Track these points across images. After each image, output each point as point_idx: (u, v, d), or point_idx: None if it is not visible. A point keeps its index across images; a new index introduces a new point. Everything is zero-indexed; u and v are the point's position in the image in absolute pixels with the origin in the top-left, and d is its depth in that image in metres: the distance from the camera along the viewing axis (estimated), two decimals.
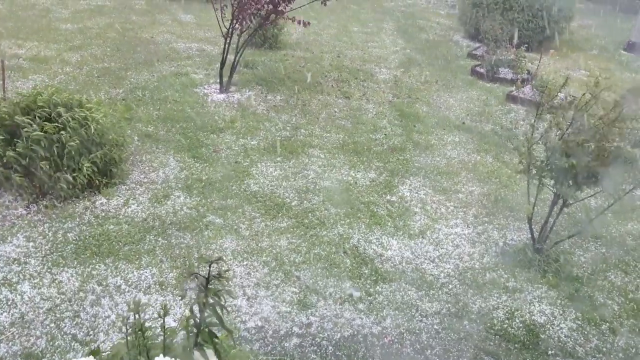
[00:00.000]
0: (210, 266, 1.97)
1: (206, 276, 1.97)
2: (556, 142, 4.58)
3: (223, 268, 2.05)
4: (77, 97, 5.44)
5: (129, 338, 2.04)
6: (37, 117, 5.04)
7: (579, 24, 13.67)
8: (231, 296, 2.03)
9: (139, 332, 2.05)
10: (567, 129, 4.55)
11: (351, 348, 3.97)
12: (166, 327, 2.08)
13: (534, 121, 4.72)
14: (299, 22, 7.47)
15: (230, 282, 4.38)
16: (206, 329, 2.05)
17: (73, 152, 5.04)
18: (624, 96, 4.50)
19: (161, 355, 1.93)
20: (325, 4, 7.57)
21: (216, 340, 2.07)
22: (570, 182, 4.57)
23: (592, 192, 5.02)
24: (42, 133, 4.94)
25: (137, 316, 2.04)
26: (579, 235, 5.33)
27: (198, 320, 2.03)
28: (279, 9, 7.44)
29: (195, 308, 2.02)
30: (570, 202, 4.88)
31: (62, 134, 5.00)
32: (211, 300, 1.99)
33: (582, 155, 4.41)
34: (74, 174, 5.10)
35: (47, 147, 4.94)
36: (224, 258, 4.68)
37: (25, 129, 4.94)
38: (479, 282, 4.76)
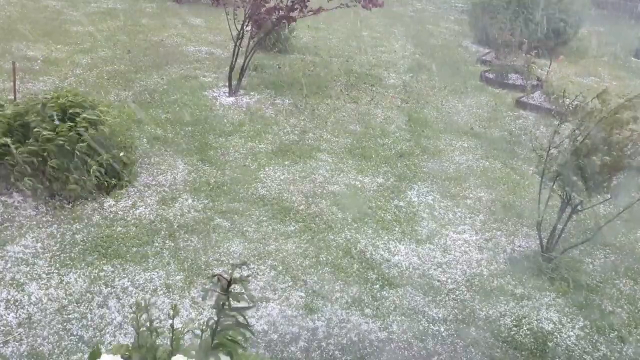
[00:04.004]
0: (233, 269, 1.97)
1: (228, 279, 1.96)
2: (569, 147, 4.58)
3: (245, 273, 2.04)
4: (86, 98, 5.46)
5: (137, 338, 2.05)
6: (50, 117, 5.08)
7: (589, 31, 13.61)
8: (252, 301, 2.02)
9: (148, 332, 2.05)
10: (579, 135, 4.55)
11: (357, 353, 3.96)
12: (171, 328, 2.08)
13: (558, 126, 4.70)
14: (314, 12, 7.49)
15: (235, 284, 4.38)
16: (223, 333, 2.04)
17: (83, 154, 5.07)
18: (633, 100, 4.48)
19: (179, 355, 1.93)
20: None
21: (233, 344, 2.06)
22: (582, 188, 4.55)
23: (602, 199, 5.00)
24: (54, 133, 4.97)
25: (145, 316, 2.04)
26: (588, 242, 5.29)
27: (216, 323, 2.03)
28: (292, 14, 7.46)
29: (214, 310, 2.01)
30: (579, 208, 4.85)
31: (73, 135, 5.04)
32: (232, 304, 1.98)
33: (592, 161, 4.40)
34: (83, 176, 5.12)
35: (58, 148, 4.97)
36: (228, 261, 4.68)
37: (36, 129, 4.97)
38: (487, 288, 4.74)
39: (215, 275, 1.98)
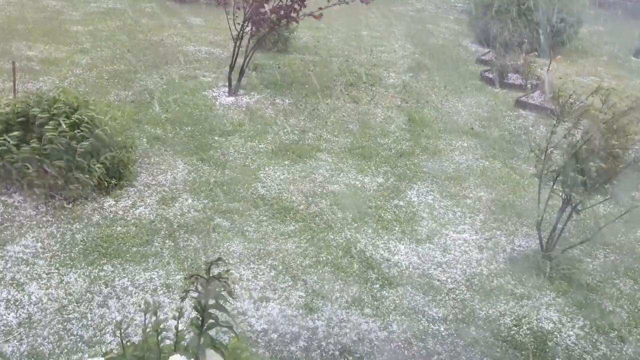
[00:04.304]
0: (210, 267, 1.97)
1: (207, 277, 1.97)
2: (569, 147, 4.58)
3: (223, 269, 2.05)
4: (86, 98, 5.46)
5: (140, 339, 2.06)
6: (50, 117, 5.07)
7: (589, 30, 13.60)
8: (231, 297, 2.03)
9: (154, 333, 2.06)
10: (579, 140, 4.56)
11: (357, 352, 3.96)
12: (169, 329, 2.09)
13: (554, 126, 4.71)
14: (314, 16, 7.48)
15: (235, 284, 4.38)
16: (207, 331, 2.05)
17: (85, 153, 5.06)
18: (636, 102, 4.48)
19: (177, 355, 1.94)
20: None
21: (217, 341, 2.07)
22: (582, 188, 4.55)
23: (602, 199, 5.00)
24: (56, 133, 4.97)
25: (153, 318, 2.05)
26: (588, 242, 5.29)
27: (201, 322, 2.04)
28: (292, 14, 7.46)
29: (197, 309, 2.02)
30: (579, 208, 4.85)
31: (75, 134, 5.03)
32: (211, 302, 1.99)
33: (592, 162, 4.40)
34: (84, 175, 5.11)
35: (62, 147, 4.97)
36: (228, 260, 4.68)
37: (44, 125, 4.95)
38: (487, 288, 4.74)
39: (192, 276, 1.99)
